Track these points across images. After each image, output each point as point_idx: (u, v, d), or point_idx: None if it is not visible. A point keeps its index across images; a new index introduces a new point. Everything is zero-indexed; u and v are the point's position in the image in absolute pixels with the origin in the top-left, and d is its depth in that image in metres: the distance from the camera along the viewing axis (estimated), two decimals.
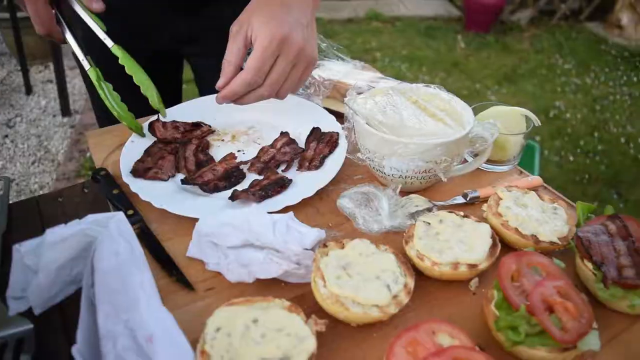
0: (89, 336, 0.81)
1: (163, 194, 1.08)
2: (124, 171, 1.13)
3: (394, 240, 0.99)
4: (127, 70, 1.19)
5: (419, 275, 0.92)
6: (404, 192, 1.10)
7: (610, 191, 3.77)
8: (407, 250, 0.92)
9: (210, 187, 1.10)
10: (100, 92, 1.18)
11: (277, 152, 1.20)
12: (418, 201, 1.05)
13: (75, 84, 4.74)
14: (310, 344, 0.75)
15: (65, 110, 4.28)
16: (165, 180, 1.13)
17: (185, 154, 1.21)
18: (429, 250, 0.90)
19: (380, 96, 1.13)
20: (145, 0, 1.46)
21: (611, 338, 0.86)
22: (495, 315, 0.81)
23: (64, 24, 1.18)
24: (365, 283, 0.83)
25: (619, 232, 0.93)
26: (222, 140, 1.28)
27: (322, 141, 1.23)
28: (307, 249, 0.88)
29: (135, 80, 1.19)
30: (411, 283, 0.86)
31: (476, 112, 1.22)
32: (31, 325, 0.88)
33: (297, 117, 1.32)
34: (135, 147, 1.21)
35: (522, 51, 5.96)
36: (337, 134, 1.23)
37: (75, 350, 0.76)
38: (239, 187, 1.11)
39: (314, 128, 1.27)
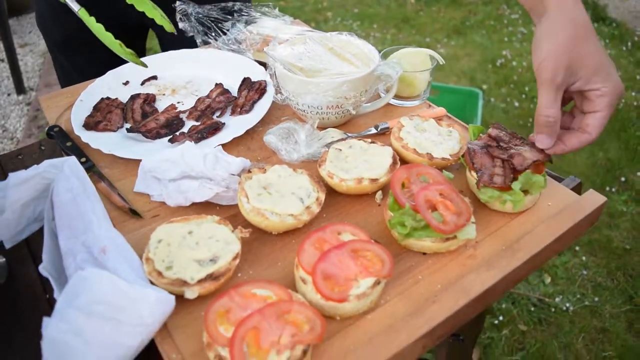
0: (53, 257, 0.96)
1: (111, 142, 1.23)
2: (75, 125, 1.26)
3: (312, 166, 1.16)
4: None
5: (333, 192, 1.09)
6: (323, 128, 1.26)
7: None
8: (320, 171, 1.09)
9: (153, 134, 1.24)
10: (97, 32, 1.22)
11: (213, 101, 1.35)
12: (334, 133, 1.22)
13: (27, 61, 4.75)
14: (236, 246, 0.92)
15: (20, 88, 4.31)
16: (115, 131, 1.27)
17: (132, 106, 1.35)
18: (337, 170, 1.07)
19: (299, 44, 1.28)
20: None
21: (492, 232, 1.04)
22: (390, 215, 0.99)
23: None
24: (282, 198, 1.00)
25: (497, 139, 1.11)
26: (164, 94, 1.43)
27: (252, 89, 1.38)
28: (233, 175, 1.04)
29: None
30: (322, 196, 1.03)
31: (388, 54, 1.38)
32: (3, 258, 1.03)
33: (230, 70, 1.47)
34: (84, 105, 1.34)
35: (471, 4, 6.11)
36: (265, 81, 1.38)
37: (41, 268, 0.92)
38: (179, 133, 1.26)
39: (244, 78, 1.41)
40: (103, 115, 1.30)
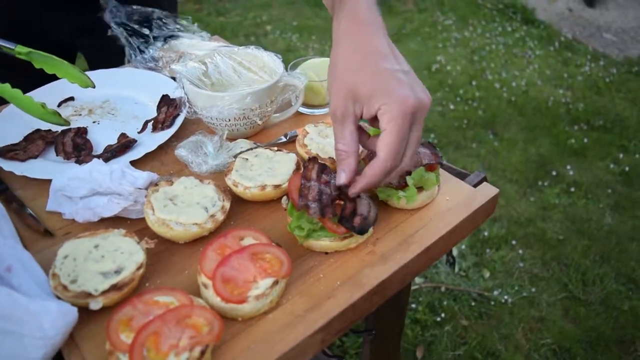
0: None
1: (24, 164, 1.24)
2: None
3: (221, 177, 1.19)
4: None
5: (242, 201, 1.14)
6: (234, 139, 1.31)
7: (487, 132, 4.14)
8: (226, 181, 1.13)
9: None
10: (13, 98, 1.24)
11: None
12: (243, 144, 1.27)
13: None
14: (139, 257, 0.95)
15: None
16: (23, 161, 1.26)
17: (63, 139, 1.33)
18: (242, 178, 1.11)
19: (208, 59, 1.33)
20: None
21: (392, 228, 1.11)
22: (290, 219, 1.04)
23: None
24: (187, 208, 1.04)
25: None
26: (80, 115, 1.45)
27: (172, 105, 1.41)
28: (140, 189, 1.07)
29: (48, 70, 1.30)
30: (227, 205, 1.07)
31: (297, 65, 1.44)
32: None
33: (148, 88, 1.50)
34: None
35: (407, 12, 6.27)
36: (184, 97, 1.41)
37: None
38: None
39: (163, 95, 1.45)
40: (23, 146, 1.30)
